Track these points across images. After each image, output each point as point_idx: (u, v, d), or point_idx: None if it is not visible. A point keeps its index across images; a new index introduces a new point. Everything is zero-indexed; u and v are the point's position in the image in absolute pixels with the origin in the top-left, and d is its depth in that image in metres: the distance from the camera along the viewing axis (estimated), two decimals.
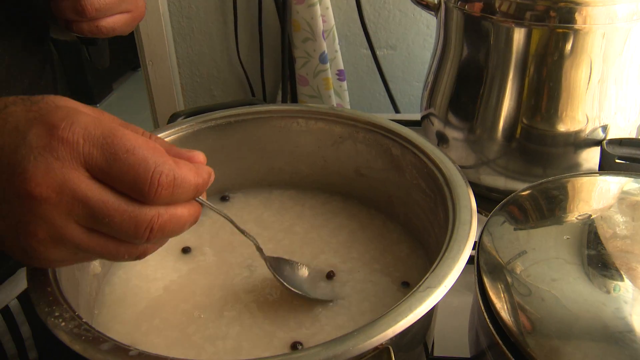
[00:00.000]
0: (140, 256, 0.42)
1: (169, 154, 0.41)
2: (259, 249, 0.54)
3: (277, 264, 0.56)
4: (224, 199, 0.71)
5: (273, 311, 0.56)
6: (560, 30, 0.73)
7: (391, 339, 0.40)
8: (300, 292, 0.55)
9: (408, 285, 0.59)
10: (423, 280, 0.42)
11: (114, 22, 0.59)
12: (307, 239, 0.65)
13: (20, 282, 0.72)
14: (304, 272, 0.59)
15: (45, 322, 0.43)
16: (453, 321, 0.66)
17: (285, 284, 0.54)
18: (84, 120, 0.38)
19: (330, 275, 0.60)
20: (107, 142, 0.37)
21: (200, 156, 0.44)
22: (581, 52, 0.74)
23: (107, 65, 0.65)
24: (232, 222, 0.50)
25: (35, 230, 0.38)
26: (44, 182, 0.36)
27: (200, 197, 0.43)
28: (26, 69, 0.68)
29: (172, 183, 0.39)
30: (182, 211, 0.41)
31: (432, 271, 0.42)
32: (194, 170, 0.41)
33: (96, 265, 0.58)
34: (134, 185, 0.38)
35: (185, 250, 0.63)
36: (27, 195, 0.37)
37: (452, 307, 0.70)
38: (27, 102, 0.40)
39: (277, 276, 0.54)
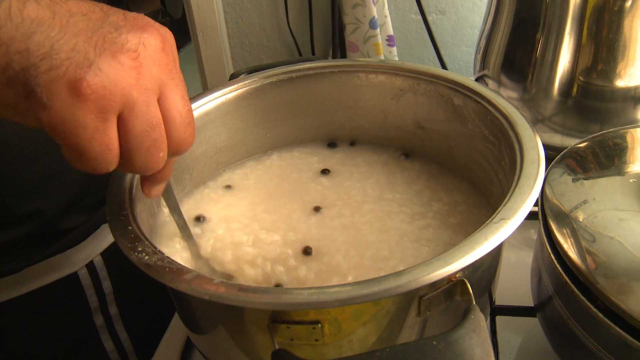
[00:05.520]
0: None
1: None
2: None
3: None
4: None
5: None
6: None
7: (464, 271, 0.40)
8: None
9: None
10: (496, 213, 0.42)
11: None
12: (374, 197, 0.65)
13: (104, 239, 0.74)
14: None
15: (129, 257, 0.44)
16: (512, 276, 0.66)
17: None
18: None
19: None
20: None
21: None
22: None
23: (180, 15, 0.66)
24: None
25: None
26: None
27: None
28: None
29: None
30: None
31: (505, 204, 0.43)
32: None
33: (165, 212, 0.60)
34: None
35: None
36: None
37: (510, 264, 0.71)
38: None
39: None
